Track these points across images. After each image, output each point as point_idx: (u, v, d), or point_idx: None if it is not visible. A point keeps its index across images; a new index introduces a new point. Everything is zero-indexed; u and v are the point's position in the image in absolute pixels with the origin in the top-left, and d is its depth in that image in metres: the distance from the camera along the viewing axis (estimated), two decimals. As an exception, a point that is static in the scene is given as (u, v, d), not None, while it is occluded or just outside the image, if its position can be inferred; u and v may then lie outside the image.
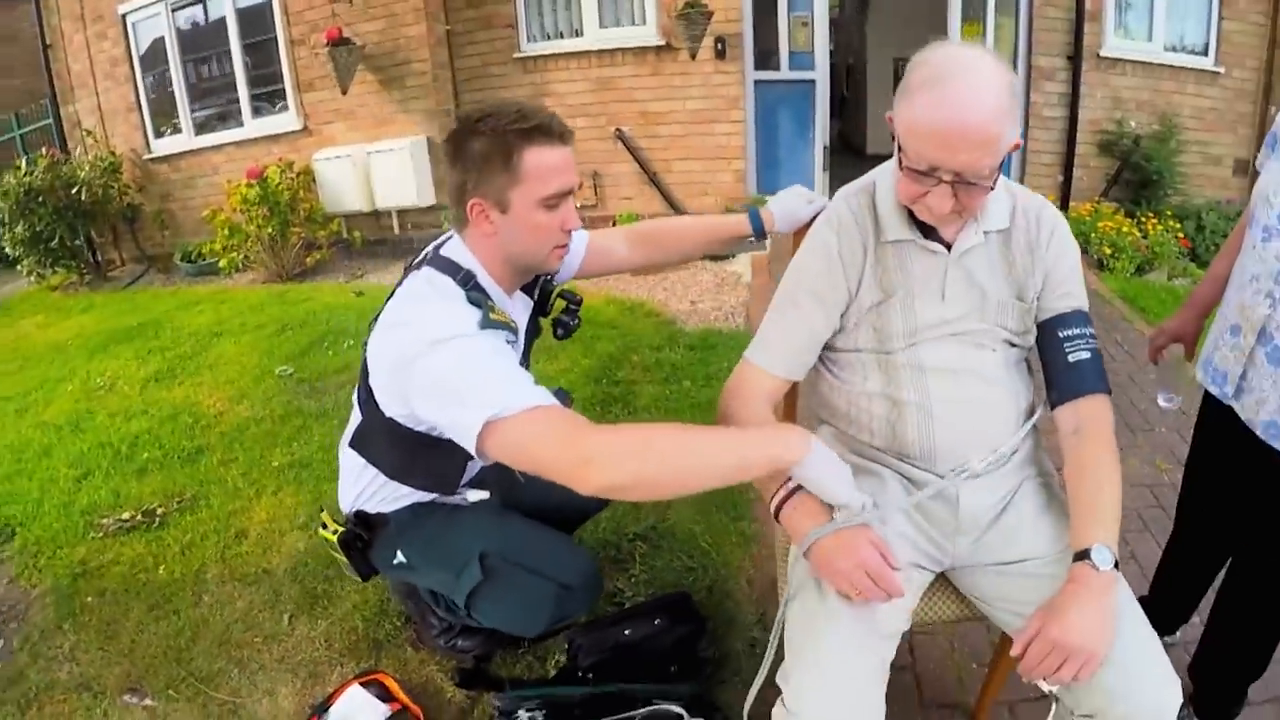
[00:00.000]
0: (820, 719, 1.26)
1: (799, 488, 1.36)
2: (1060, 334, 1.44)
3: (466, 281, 1.56)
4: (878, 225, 1.45)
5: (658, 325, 4.59)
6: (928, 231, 1.42)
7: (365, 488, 1.82)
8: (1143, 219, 5.81)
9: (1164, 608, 1.99)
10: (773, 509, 1.39)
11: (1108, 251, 5.40)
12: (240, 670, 2.20)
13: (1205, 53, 6.39)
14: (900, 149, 1.30)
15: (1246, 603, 1.66)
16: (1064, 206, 6.28)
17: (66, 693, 2.18)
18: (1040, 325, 1.47)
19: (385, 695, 1.99)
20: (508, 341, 1.51)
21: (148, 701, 2.12)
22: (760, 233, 1.89)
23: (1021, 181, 6.37)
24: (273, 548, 2.72)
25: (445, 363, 1.41)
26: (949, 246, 1.42)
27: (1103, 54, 6.19)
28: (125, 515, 3.00)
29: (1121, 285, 5.06)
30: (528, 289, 1.79)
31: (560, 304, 1.84)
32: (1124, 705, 1.22)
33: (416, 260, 1.68)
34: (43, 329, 6.34)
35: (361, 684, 2.01)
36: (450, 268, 1.58)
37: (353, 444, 1.79)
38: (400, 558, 1.82)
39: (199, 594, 2.53)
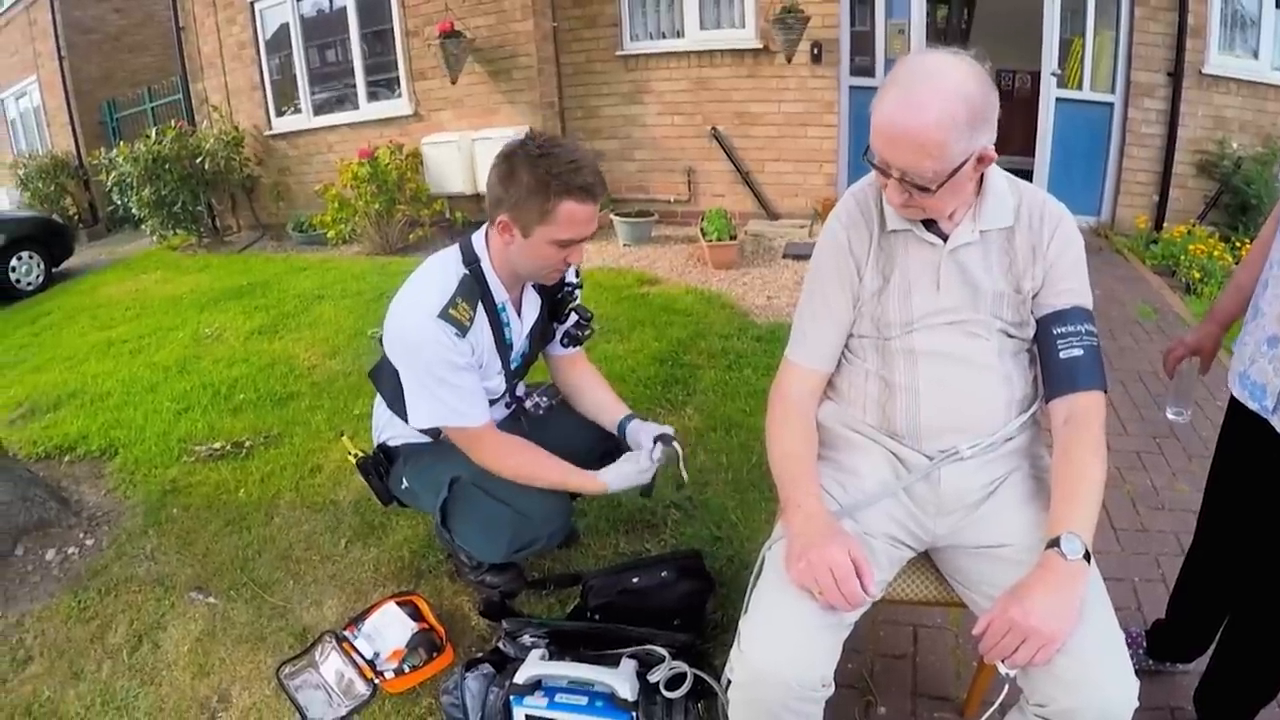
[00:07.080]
0: (764, 663, 1.29)
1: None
2: (1055, 330, 1.46)
3: (471, 263, 1.84)
4: (882, 216, 1.52)
5: (730, 316, 4.68)
6: (928, 224, 1.49)
7: (380, 418, 2.10)
8: (1238, 244, 5.56)
9: (1180, 631, 1.94)
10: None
11: (1197, 276, 5.21)
12: (295, 581, 2.44)
13: (1317, 73, 6.04)
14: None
15: (1266, 617, 1.60)
16: (1158, 227, 6.09)
17: (142, 585, 2.47)
18: (1038, 321, 1.49)
19: (416, 615, 2.17)
20: (455, 335, 1.78)
21: (210, 599, 2.38)
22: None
23: (1115, 200, 6.29)
24: (342, 483, 2.96)
25: (404, 358, 1.84)
26: (946, 239, 1.47)
27: (1205, 71, 5.94)
28: (216, 445, 3.32)
29: (1205, 309, 4.89)
30: (544, 290, 2.03)
31: (574, 318, 2.11)
32: (1074, 697, 1.21)
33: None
34: (161, 284, 6.87)
35: (398, 603, 2.20)
36: (468, 250, 1.87)
37: (370, 374, 2.08)
38: (405, 483, 2.08)
39: (270, 515, 2.80)
